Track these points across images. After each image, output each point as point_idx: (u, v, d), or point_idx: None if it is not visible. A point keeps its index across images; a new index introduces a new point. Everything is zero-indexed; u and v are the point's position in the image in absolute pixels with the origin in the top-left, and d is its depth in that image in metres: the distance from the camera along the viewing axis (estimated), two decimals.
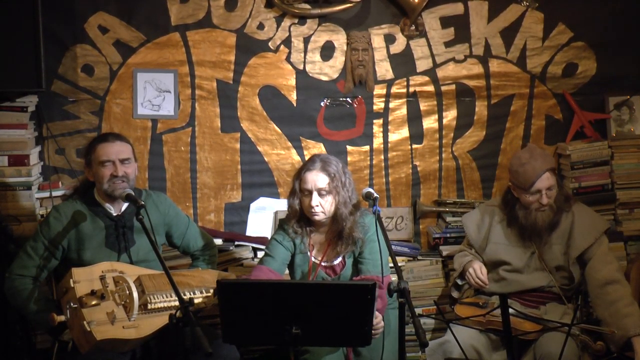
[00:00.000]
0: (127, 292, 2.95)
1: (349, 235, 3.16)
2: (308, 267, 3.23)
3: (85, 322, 2.80)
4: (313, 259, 3.24)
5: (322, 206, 3.13)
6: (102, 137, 3.23)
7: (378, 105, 4.16)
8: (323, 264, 3.23)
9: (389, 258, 2.94)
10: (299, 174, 3.18)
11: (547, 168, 3.32)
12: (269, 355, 3.85)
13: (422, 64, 4.15)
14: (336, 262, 3.22)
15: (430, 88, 4.16)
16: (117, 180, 3.12)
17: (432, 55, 4.14)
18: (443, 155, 4.22)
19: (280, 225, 3.31)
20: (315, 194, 3.11)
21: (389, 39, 4.12)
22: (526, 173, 3.31)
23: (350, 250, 3.19)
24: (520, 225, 3.39)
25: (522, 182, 3.33)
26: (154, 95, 4.04)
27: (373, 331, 2.84)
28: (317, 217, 3.15)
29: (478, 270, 3.41)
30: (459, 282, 3.57)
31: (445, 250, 4.02)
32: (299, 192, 3.17)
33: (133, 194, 3.09)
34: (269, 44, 4.07)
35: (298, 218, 3.22)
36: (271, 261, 3.22)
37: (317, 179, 3.12)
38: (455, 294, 3.62)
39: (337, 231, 3.19)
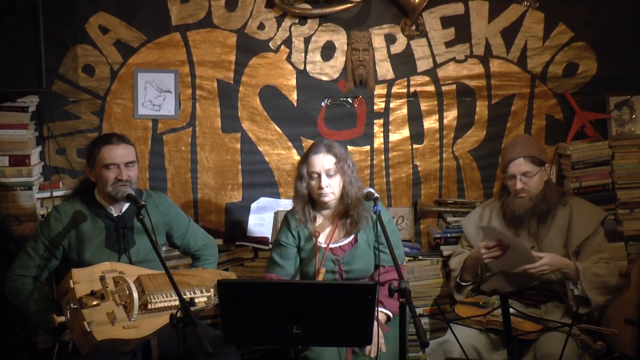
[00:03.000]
0: (127, 292, 2.95)
1: (356, 214, 3.21)
2: (314, 252, 3.27)
3: (85, 323, 2.80)
4: (319, 243, 3.27)
5: (331, 186, 3.19)
6: (106, 139, 3.21)
7: (379, 105, 4.16)
8: (331, 246, 3.26)
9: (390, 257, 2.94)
10: (305, 158, 3.25)
11: (524, 155, 3.40)
12: (270, 355, 3.86)
13: (423, 64, 4.14)
14: (346, 241, 3.27)
15: (431, 88, 4.16)
16: (122, 184, 3.12)
17: (433, 55, 4.13)
18: (444, 155, 4.21)
19: (285, 218, 3.35)
20: (324, 175, 3.19)
21: (390, 39, 4.11)
22: (504, 157, 3.51)
23: (362, 228, 3.23)
24: (504, 211, 3.49)
25: (502, 166, 3.55)
26: (155, 95, 4.04)
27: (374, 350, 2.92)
28: (327, 198, 3.22)
29: (483, 248, 3.32)
30: (462, 283, 3.55)
31: (446, 250, 4.02)
32: (306, 175, 3.23)
33: (134, 193, 3.09)
34: (270, 44, 4.07)
35: (305, 203, 3.27)
36: (280, 270, 3.29)
37: (324, 160, 3.19)
38: (457, 297, 3.60)
39: (343, 211, 3.26)
